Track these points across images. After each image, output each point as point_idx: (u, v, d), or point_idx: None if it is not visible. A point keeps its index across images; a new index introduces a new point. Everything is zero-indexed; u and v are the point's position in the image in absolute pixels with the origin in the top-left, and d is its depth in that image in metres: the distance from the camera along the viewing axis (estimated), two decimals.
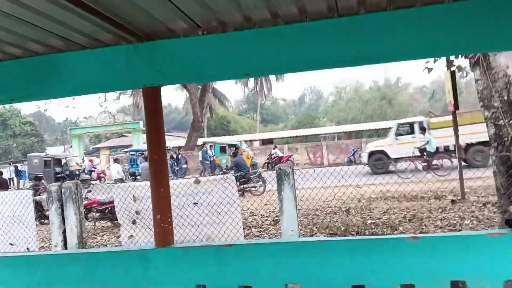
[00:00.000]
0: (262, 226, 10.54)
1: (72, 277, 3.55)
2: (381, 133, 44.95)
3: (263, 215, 12.30)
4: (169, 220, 3.54)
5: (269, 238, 7.97)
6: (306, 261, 2.81)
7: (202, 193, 6.36)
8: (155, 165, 3.34)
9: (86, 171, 30.13)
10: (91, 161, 31.44)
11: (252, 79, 53.91)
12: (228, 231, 6.22)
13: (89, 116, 39.28)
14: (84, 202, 13.60)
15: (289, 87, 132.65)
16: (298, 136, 37.83)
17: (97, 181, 29.48)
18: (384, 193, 13.83)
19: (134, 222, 6.57)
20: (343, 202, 12.30)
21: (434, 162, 17.54)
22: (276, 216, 11.55)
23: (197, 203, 6.39)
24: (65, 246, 6.78)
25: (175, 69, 3.22)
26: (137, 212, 6.59)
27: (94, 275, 3.53)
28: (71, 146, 40.38)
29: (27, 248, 7.09)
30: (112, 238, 11.08)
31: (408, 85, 75.52)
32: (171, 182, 6.34)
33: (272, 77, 53.81)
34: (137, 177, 17.28)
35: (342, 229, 9.98)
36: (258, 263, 3.00)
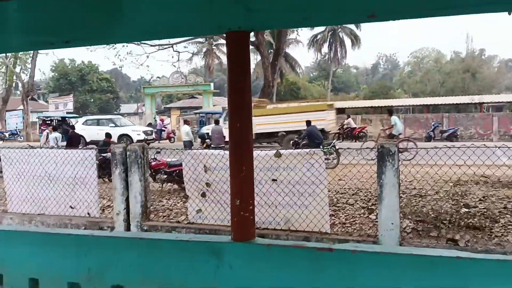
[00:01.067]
0: (343, 207, 9.51)
1: (128, 266, 2.74)
2: (462, 108, 41.76)
3: (338, 191, 11.17)
4: (250, 208, 2.58)
5: (359, 229, 6.92)
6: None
7: (283, 168, 5.42)
8: (236, 135, 2.38)
9: (156, 130, 30.28)
10: (162, 120, 31.56)
11: (326, 45, 51.85)
12: (311, 216, 5.26)
13: (162, 76, 39.45)
14: (152, 163, 13.23)
15: (363, 55, 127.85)
16: (372, 107, 35.84)
17: (167, 141, 29.56)
18: (472, 176, 12.28)
19: (203, 195, 5.77)
20: (431, 184, 10.93)
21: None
22: (357, 196, 10.46)
23: (276, 180, 5.46)
24: (127, 214, 6.14)
25: (271, 7, 2.14)
26: (208, 184, 5.78)
27: (155, 267, 2.68)
28: (143, 105, 40.90)
29: (88, 213, 6.55)
30: (178, 203, 10.49)
31: (493, 58, 69.64)
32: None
33: (348, 43, 51.36)
34: (206, 140, 16.69)
35: (431, 215, 8.75)
36: (365, 276, 2.00)
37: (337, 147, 15.24)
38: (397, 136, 17.99)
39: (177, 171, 13.33)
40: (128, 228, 6.13)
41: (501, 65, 67.99)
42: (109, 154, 15.09)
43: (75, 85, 60.03)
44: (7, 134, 29.03)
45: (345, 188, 11.16)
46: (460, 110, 40.29)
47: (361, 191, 10.74)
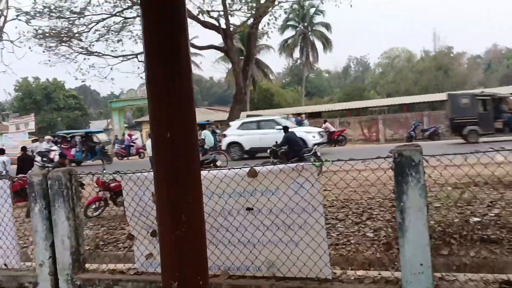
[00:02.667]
0: (333, 224, 8.00)
1: None
2: (437, 106, 41.14)
3: (327, 205, 9.61)
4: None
5: (366, 261, 5.43)
6: None
7: (261, 192, 3.86)
8: (164, 148, 1.21)
9: (124, 146, 28.37)
10: (130, 135, 29.63)
11: (297, 49, 50.79)
12: (303, 257, 3.71)
13: (129, 89, 37.57)
14: (111, 184, 11.51)
15: (333, 59, 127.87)
16: (349, 109, 34.74)
17: (136, 156, 27.73)
18: (470, 177, 10.99)
19: (154, 233, 4.17)
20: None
21: None
22: (348, 209, 8.96)
23: (252, 209, 3.90)
24: (53, 265, 4.48)
25: None
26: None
27: None
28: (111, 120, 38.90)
29: (5, 265, 4.85)
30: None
31: (462, 55, 69.96)
32: (204, 174, 3.90)
33: (319, 46, 50.41)
34: None
35: (437, 229, 7.36)
36: None
37: (318, 154, 13.83)
38: (209, 149, 18.74)
39: None
40: (56, 284, 4.45)
41: (469, 61, 68.27)
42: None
43: (41, 104, 57.42)
44: None
45: (332, 200, 9.63)
46: (435, 108, 39.62)
47: (350, 203, 9.28)
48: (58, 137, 27.93)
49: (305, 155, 13.69)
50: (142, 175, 4.17)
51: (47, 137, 26.06)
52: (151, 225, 4.23)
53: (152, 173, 4.20)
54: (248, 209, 3.91)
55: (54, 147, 23.44)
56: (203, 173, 3.93)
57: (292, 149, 13.79)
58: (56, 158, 18.34)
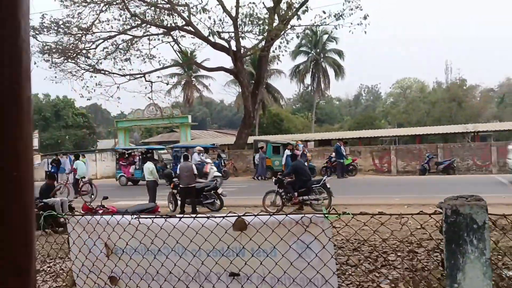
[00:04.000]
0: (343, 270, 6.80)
1: None
2: (449, 138, 39.84)
3: (342, 247, 8.39)
4: None
5: None
6: None
7: (251, 252, 2.75)
8: None
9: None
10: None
11: (308, 75, 50.03)
12: None
13: (136, 109, 36.84)
14: (99, 212, 10.43)
15: (345, 87, 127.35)
16: (359, 138, 33.60)
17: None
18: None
19: None
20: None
21: None
22: (359, 252, 7.76)
23: (238, 275, 2.78)
24: None
25: None
26: (113, 280, 3.07)
27: None
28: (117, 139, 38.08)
29: None
30: None
31: (475, 88, 68.82)
32: (174, 223, 2.80)
33: (331, 73, 49.57)
34: (174, 180, 13.95)
35: None
36: None
37: (328, 185, 12.67)
38: (80, 179, 18.65)
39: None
40: None
41: (482, 94, 67.09)
42: (52, 200, 12.28)
43: (49, 121, 56.94)
44: None
45: (342, 240, 8.40)
46: (447, 140, 38.34)
47: (363, 244, 8.07)
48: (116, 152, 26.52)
49: (313, 186, 12.56)
50: (93, 218, 3.08)
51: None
52: (104, 286, 3.13)
53: (107, 216, 3.12)
54: (233, 274, 2.80)
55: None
56: (172, 221, 2.84)
57: (299, 179, 12.65)
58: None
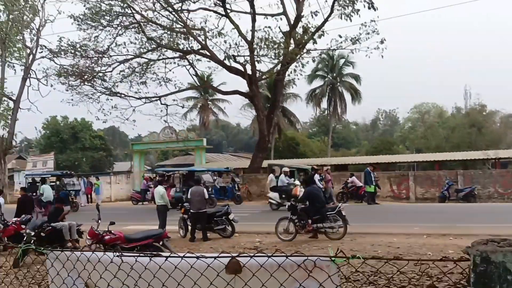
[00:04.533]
0: None
1: None
2: (469, 164, 38.91)
3: (349, 277, 7.91)
4: None
5: None
6: None
7: None
8: None
9: (140, 190, 27.21)
10: (146, 179, 28.49)
11: (325, 99, 49.76)
12: None
13: (152, 132, 36.86)
14: (106, 237, 10.13)
15: (362, 111, 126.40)
16: (377, 163, 32.97)
17: (152, 202, 26.46)
18: None
19: None
20: None
21: None
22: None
23: None
24: None
25: None
26: None
27: None
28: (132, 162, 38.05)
29: None
30: None
31: (494, 114, 67.72)
32: (159, 262, 2.46)
33: (348, 98, 49.21)
34: (185, 204, 13.65)
35: None
36: None
37: (343, 213, 12.20)
38: (47, 204, 17.90)
39: (138, 247, 10.26)
40: None
41: (502, 120, 65.93)
42: (60, 224, 12.05)
43: (67, 143, 57.51)
44: None
45: (355, 272, 7.91)
46: (467, 166, 37.42)
47: (379, 277, 7.57)
48: (157, 175, 25.90)
49: (328, 213, 12.09)
50: (73, 254, 2.76)
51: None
52: None
53: (88, 253, 2.80)
54: None
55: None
56: (158, 261, 2.51)
57: (313, 206, 12.21)
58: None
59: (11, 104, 32.99)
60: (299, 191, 18.48)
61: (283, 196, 19.67)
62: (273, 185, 20.91)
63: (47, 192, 19.39)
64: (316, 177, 20.86)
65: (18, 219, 12.15)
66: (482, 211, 17.90)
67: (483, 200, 23.60)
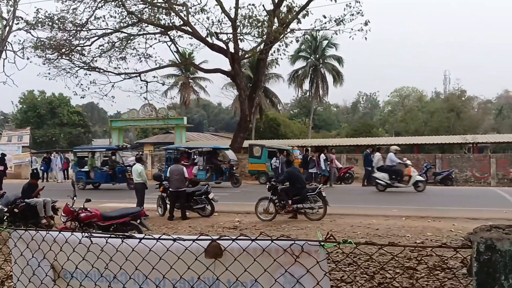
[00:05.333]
0: None
1: None
2: (447, 148, 39.43)
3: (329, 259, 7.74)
4: None
5: None
6: None
7: (227, 285, 2.19)
8: None
9: None
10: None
11: (307, 81, 49.56)
12: None
13: (131, 109, 36.24)
14: (82, 215, 9.83)
15: (342, 94, 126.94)
16: (357, 146, 33.11)
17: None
18: None
19: None
20: None
21: None
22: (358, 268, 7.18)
23: None
24: None
25: None
26: None
27: None
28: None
29: None
30: None
31: (473, 99, 68.63)
32: (132, 244, 2.26)
33: (330, 80, 49.09)
34: (164, 183, 13.39)
35: None
36: None
37: (323, 194, 12.13)
38: None
39: (115, 225, 10.01)
40: None
41: (480, 106, 66.93)
42: (34, 200, 11.68)
43: (44, 118, 56.21)
44: None
45: (335, 252, 7.82)
46: (445, 150, 37.90)
47: (359, 258, 7.51)
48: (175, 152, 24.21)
49: (308, 194, 11.99)
50: (38, 234, 2.52)
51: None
52: None
53: (54, 233, 2.56)
54: None
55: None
56: (131, 243, 2.29)
57: (294, 187, 12.10)
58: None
59: None
60: (412, 171, 18.21)
61: (393, 176, 18.37)
62: (380, 164, 19.70)
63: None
64: (322, 157, 20.62)
65: None
66: (459, 195, 18.11)
67: (460, 183, 23.92)
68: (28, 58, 23.90)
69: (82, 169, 22.71)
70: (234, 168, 22.58)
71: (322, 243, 2.07)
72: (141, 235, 2.31)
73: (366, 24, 23.60)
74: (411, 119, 50.98)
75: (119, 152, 23.51)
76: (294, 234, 9.82)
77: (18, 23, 24.91)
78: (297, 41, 28.01)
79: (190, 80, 51.70)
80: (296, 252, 2.10)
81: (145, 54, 25.65)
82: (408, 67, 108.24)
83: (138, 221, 9.96)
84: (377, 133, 51.30)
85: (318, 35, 44.77)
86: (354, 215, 12.67)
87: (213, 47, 25.82)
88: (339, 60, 48.49)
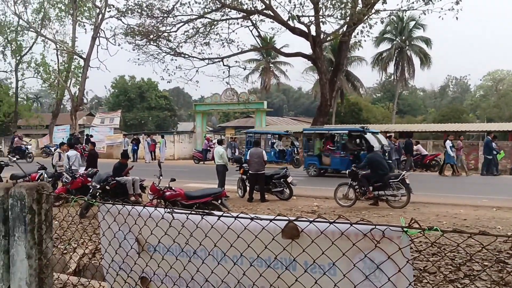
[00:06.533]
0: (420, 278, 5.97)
1: None
2: None
3: (413, 248, 7.44)
4: None
5: None
6: None
7: (304, 266, 2.18)
8: None
9: (201, 150, 27.76)
10: (208, 139, 28.94)
11: (392, 64, 47.64)
12: None
13: (214, 93, 37.16)
14: (167, 193, 10.31)
15: (430, 77, 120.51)
16: (445, 132, 31.32)
17: (213, 161, 26.92)
18: None
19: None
20: None
21: None
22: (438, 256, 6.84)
23: None
24: None
25: None
26: (143, 280, 2.67)
27: None
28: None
29: None
30: None
31: None
32: (211, 221, 2.29)
33: (416, 62, 46.78)
34: (244, 165, 13.63)
35: None
36: None
37: (407, 181, 11.65)
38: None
39: (198, 204, 10.36)
40: None
41: None
42: (124, 178, 12.43)
43: (134, 102, 59.56)
44: (53, 149, 27.44)
45: (419, 241, 7.49)
46: None
47: (445, 248, 7.15)
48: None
49: (390, 181, 11.59)
50: (124, 208, 2.65)
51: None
52: (134, 286, 2.71)
53: (138, 207, 2.67)
54: None
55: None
56: (210, 220, 2.33)
57: (375, 173, 11.75)
58: None
59: (82, 63, 34.35)
60: None
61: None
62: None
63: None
64: (448, 143, 19.84)
65: (85, 172, 12.67)
66: None
67: None
68: (119, 45, 25.39)
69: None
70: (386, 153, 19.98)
71: (405, 229, 1.97)
72: (220, 213, 2.34)
73: (457, 2, 22.04)
74: (506, 104, 47.42)
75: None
76: (375, 221, 9.55)
77: (110, 11, 26.44)
78: (382, 22, 26.83)
79: (271, 65, 51.90)
80: (377, 237, 2.01)
81: (228, 39, 26.07)
82: (503, 47, 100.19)
83: (219, 202, 10.28)
84: (467, 119, 48.24)
85: (405, 15, 42.69)
86: (439, 204, 12.08)
87: (294, 30, 25.59)
88: (427, 41, 45.99)
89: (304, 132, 22.15)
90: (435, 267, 6.66)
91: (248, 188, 13.28)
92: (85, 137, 29.34)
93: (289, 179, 13.07)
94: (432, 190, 14.62)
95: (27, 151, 26.59)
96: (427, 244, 6.77)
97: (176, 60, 26.87)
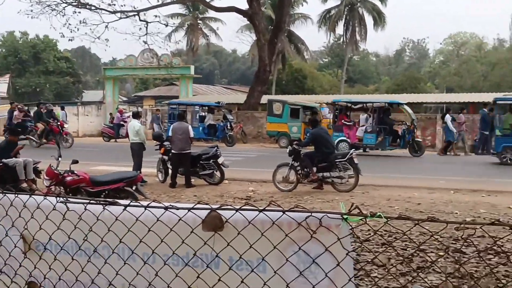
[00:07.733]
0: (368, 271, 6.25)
1: None
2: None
3: (362, 238, 7.77)
4: None
5: None
6: None
7: (228, 262, 2.19)
8: None
9: (113, 125, 27.14)
10: (120, 111, 28.28)
11: (341, 23, 48.65)
12: None
13: (129, 55, 36.23)
14: (68, 178, 9.98)
15: (383, 40, 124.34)
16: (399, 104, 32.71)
17: (127, 139, 26.43)
18: None
19: None
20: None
21: None
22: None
23: None
24: None
25: None
26: (31, 287, 2.59)
27: None
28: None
29: None
30: None
31: None
32: (117, 212, 2.25)
33: (369, 23, 48.08)
34: (165, 143, 13.47)
35: None
36: None
37: (356, 161, 12.05)
38: None
39: (107, 191, 10.14)
40: None
41: None
42: (13, 160, 11.90)
43: (27, 65, 56.77)
44: None
45: (368, 231, 7.81)
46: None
47: (395, 238, 7.51)
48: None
49: (337, 160, 11.92)
50: (5, 197, 2.53)
51: None
52: None
53: (24, 196, 2.56)
54: None
55: None
56: (114, 210, 2.28)
57: (319, 151, 12.03)
58: None
59: None
60: None
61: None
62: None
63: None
64: (447, 117, 20.04)
65: None
66: None
67: None
68: None
69: None
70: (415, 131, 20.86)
71: (345, 216, 2.02)
72: (127, 202, 2.29)
73: None
74: (467, 72, 50.13)
75: None
76: (318, 208, 9.84)
77: None
78: None
79: (199, 21, 51.29)
80: (313, 226, 2.06)
81: None
82: (466, 8, 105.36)
83: (134, 188, 10.11)
84: (425, 88, 50.56)
85: None
86: (391, 186, 12.63)
87: None
88: None
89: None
90: (384, 259, 6.98)
91: (170, 171, 13.17)
92: None
93: (220, 160, 13.10)
94: (384, 171, 15.24)
95: None
96: (374, 232, 7.07)
97: (80, 12, 25.89)
